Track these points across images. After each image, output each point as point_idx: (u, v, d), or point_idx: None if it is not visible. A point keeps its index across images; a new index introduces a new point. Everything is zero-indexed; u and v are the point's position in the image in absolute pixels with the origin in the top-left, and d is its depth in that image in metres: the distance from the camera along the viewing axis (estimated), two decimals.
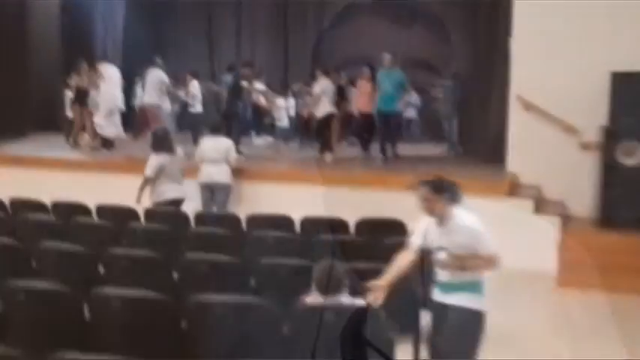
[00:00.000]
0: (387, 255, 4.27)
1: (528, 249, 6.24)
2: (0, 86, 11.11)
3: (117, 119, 9.39)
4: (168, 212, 5.39)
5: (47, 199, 5.96)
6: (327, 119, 9.10)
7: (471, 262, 3.47)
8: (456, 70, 10.26)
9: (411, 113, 12.44)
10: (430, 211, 3.55)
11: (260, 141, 11.50)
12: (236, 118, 9.42)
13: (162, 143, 6.16)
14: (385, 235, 4.89)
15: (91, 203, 5.75)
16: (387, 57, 8.81)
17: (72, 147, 9.74)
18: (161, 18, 14.78)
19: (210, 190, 7.04)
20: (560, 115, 7.30)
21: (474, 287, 3.57)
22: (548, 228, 6.46)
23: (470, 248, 3.47)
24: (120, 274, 3.71)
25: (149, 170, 6.03)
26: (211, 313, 3.06)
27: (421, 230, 3.67)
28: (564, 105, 7.24)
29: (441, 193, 3.55)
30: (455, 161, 9.19)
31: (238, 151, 8.75)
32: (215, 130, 7.37)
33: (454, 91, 9.76)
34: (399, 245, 4.44)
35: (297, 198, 7.14)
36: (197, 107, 10.58)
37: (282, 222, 5.39)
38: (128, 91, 10.97)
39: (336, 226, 5.30)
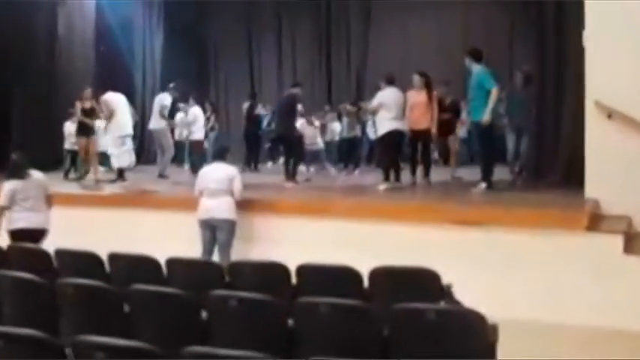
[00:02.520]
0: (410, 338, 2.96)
1: (617, 300, 5.03)
2: (29, 119, 10.78)
3: (129, 148, 8.63)
4: (133, 258, 4.23)
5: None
6: (390, 139, 7.57)
7: None
8: (525, 72, 8.13)
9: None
10: None
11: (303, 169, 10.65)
12: (293, 143, 8.48)
13: (14, 170, 5.60)
14: (409, 294, 3.51)
15: None
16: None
17: (77, 182, 9.04)
18: (200, 44, 14.42)
19: (211, 229, 5.90)
20: None
21: None
22: None
23: None
24: None
25: (3, 199, 5.50)
26: None
27: None
28: None
29: None
30: (520, 186, 7.61)
31: (294, 180, 8.12)
32: (218, 156, 6.23)
33: (523, 100, 7.90)
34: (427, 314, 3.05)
35: (319, 235, 5.94)
36: (197, 134, 10.21)
37: (274, 272, 4.10)
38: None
39: (344, 278, 3.95)
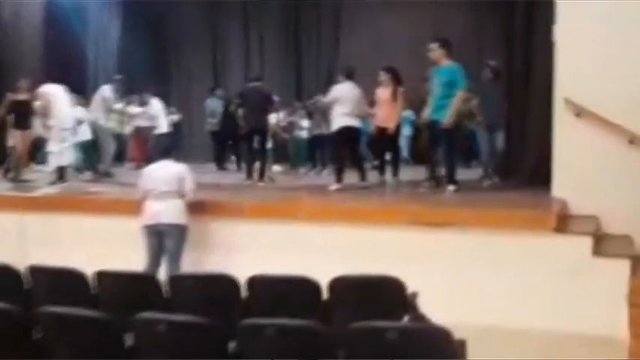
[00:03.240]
0: None
1: (586, 304, 4.92)
2: None
3: (70, 144, 8.06)
4: (56, 272, 3.78)
5: None
6: (342, 135, 7.27)
7: None
8: (495, 64, 7.87)
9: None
10: None
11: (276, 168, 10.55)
12: (266, 140, 8.29)
13: None
14: (371, 307, 3.32)
15: None
16: (431, 47, 6.67)
17: (11, 181, 8.33)
18: (161, 33, 13.91)
19: (158, 235, 5.42)
20: (623, 123, 5.66)
21: None
22: (613, 275, 4.89)
23: None
24: None
25: None
26: None
27: None
28: (629, 109, 5.66)
29: None
30: (488, 186, 7.45)
31: (270, 179, 7.82)
32: (164, 154, 5.73)
33: (493, 96, 7.61)
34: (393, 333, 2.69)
35: (282, 240, 5.64)
36: (162, 128, 9.93)
37: (220, 286, 3.73)
38: None
39: (300, 290, 3.62)
